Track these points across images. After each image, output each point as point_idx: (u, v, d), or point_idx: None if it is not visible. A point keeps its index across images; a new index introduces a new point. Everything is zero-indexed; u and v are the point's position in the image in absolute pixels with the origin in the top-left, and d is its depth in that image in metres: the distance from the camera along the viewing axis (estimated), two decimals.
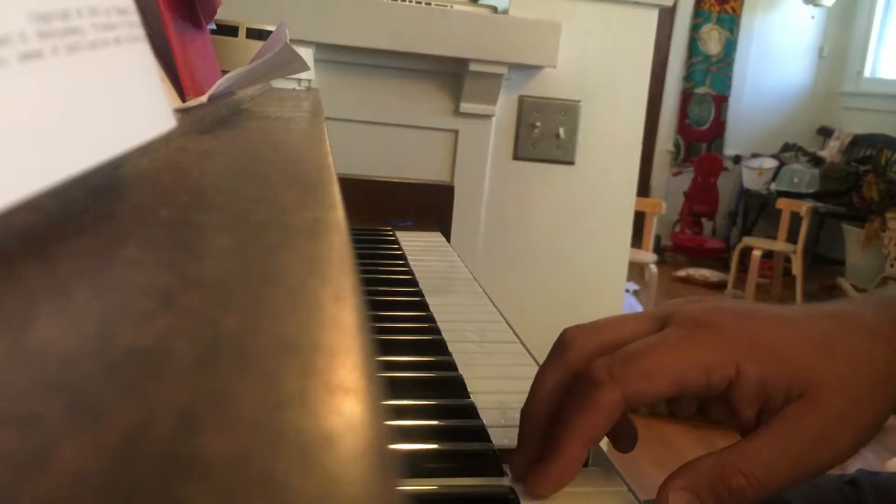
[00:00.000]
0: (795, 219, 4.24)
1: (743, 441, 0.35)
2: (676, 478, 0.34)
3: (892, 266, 4.01)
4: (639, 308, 3.75)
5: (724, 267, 4.62)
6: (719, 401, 0.37)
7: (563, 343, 0.39)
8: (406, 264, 0.81)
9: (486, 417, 0.45)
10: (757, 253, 4.18)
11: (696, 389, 0.35)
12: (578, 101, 1.40)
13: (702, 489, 0.34)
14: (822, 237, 4.76)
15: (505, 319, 0.66)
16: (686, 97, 5.36)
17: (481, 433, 0.43)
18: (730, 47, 5.33)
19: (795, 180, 4.81)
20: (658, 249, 4.37)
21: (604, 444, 0.40)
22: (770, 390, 0.35)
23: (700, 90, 5.35)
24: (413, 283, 0.74)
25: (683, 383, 0.35)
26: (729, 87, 5.38)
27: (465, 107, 1.36)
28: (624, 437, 0.40)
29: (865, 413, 0.35)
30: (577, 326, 0.39)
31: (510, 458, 0.39)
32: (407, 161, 1.38)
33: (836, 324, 0.37)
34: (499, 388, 0.50)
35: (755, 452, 0.34)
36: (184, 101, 0.44)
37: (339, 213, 0.24)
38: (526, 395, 0.39)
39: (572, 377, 0.37)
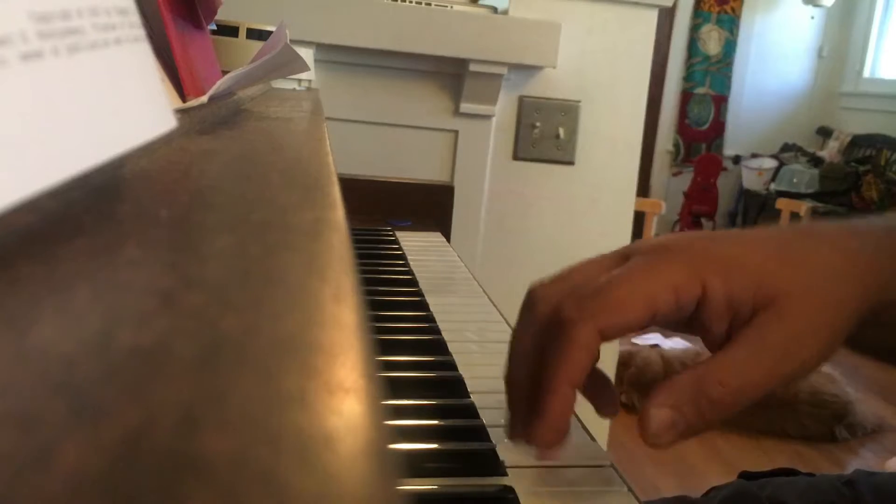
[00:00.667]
0: (795, 219, 4.23)
1: (717, 354, 0.35)
2: (657, 395, 0.35)
3: None
4: None
5: None
6: (688, 323, 0.37)
7: (530, 298, 0.38)
8: (406, 264, 0.81)
9: (486, 417, 0.45)
10: None
11: (667, 312, 0.35)
12: (578, 102, 1.40)
13: (683, 403, 0.34)
14: None
15: (505, 319, 0.66)
16: (686, 97, 5.36)
17: (481, 433, 0.43)
18: (729, 48, 5.33)
19: (795, 180, 4.81)
20: None
21: (603, 443, 0.40)
22: (737, 304, 0.35)
23: (700, 90, 5.35)
24: (413, 283, 0.74)
25: (654, 307, 0.35)
26: (728, 87, 5.37)
27: (465, 107, 1.36)
28: (604, 399, 0.39)
29: (832, 319, 0.36)
30: (541, 280, 0.39)
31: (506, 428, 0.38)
32: (407, 161, 1.38)
33: (801, 237, 0.38)
34: (499, 388, 0.49)
35: (729, 362, 0.35)
36: (184, 101, 0.44)
37: (339, 213, 0.24)
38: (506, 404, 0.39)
39: (544, 328, 0.37)
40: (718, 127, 5.38)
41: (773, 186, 4.92)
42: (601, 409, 0.40)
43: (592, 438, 0.44)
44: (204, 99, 0.46)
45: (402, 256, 0.84)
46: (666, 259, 0.36)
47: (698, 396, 0.34)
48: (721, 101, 5.37)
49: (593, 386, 0.39)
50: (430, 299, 0.68)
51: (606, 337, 0.35)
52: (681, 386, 0.34)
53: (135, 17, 0.23)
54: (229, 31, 0.87)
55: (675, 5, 3.00)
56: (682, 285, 0.35)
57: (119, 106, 0.21)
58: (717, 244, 0.37)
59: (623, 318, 0.34)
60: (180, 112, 0.38)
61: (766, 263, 0.36)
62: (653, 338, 3.49)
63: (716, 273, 0.35)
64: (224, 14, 0.75)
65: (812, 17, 5.30)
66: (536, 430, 0.35)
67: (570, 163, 1.42)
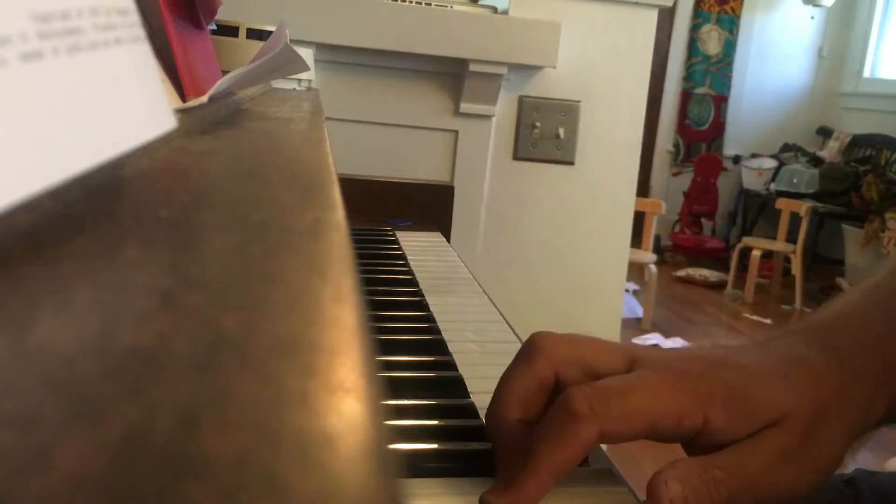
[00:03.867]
0: (795, 219, 4.24)
1: (714, 454, 0.37)
2: (662, 472, 0.35)
3: None
4: (638, 308, 3.75)
5: (724, 267, 4.63)
6: (686, 447, 0.38)
7: (533, 348, 0.38)
8: (406, 264, 0.81)
9: None
10: (756, 253, 4.18)
11: (663, 434, 0.36)
12: (578, 102, 1.40)
13: (690, 480, 0.35)
14: (822, 237, 4.76)
15: (505, 319, 0.66)
16: (686, 97, 5.36)
17: (481, 433, 0.43)
18: (729, 48, 5.33)
19: (795, 180, 4.81)
20: (658, 249, 4.37)
21: (603, 444, 0.39)
22: (739, 435, 0.36)
23: (700, 90, 5.36)
24: (413, 283, 0.74)
25: (655, 429, 0.35)
26: (728, 87, 5.38)
27: (465, 107, 1.36)
28: None
29: (828, 436, 0.38)
30: (548, 333, 0.39)
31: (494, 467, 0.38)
32: (407, 161, 1.38)
33: (795, 367, 0.40)
34: None
35: (730, 453, 0.36)
36: (184, 101, 0.44)
37: (339, 213, 0.24)
38: None
39: (540, 385, 0.37)
40: (718, 127, 5.39)
41: (773, 186, 4.92)
42: None
43: None
44: (204, 99, 0.46)
45: (402, 256, 0.84)
46: (676, 385, 0.36)
47: (703, 474, 0.35)
48: (721, 101, 5.37)
49: None
50: (430, 299, 0.68)
51: (605, 440, 0.35)
52: (684, 465, 0.35)
53: (135, 17, 0.23)
54: (229, 31, 0.87)
55: (675, 5, 3.00)
56: (686, 416, 0.36)
57: (119, 106, 0.21)
58: (725, 374, 0.38)
59: (626, 430, 0.35)
60: (180, 112, 0.38)
61: (770, 393, 0.37)
62: (653, 338, 3.49)
63: (720, 408, 0.36)
64: (224, 14, 0.75)
65: (812, 17, 5.30)
66: (500, 500, 0.35)
67: (570, 163, 1.42)
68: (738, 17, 5.30)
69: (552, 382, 0.38)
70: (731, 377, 0.38)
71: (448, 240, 1.01)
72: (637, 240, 3.18)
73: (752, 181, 5.08)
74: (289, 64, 0.62)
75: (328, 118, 1.09)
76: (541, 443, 0.35)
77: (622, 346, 0.40)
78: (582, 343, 0.39)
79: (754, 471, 0.36)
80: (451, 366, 0.53)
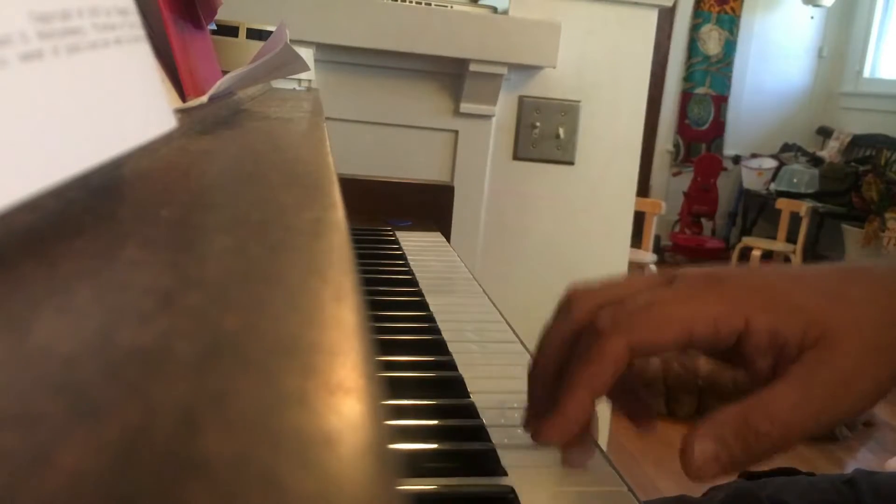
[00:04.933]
0: (795, 219, 4.24)
1: (765, 389, 0.34)
2: (701, 427, 0.34)
3: None
4: None
5: None
6: (729, 355, 0.36)
7: (568, 300, 0.38)
8: (406, 264, 0.81)
9: (486, 417, 0.45)
10: (756, 253, 4.18)
11: (703, 341, 0.35)
12: (578, 102, 1.40)
13: (728, 436, 0.33)
14: (822, 237, 4.76)
15: (505, 319, 0.66)
16: (686, 97, 5.36)
17: (481, 433, 0.43)
18: (729, 48, 5.33)
19: (795, 180, 4.81)
20: (658, 249, 4.37)
21: (603, 443, 0.39)
22: (783, 340, 0.34)
23: (700, 90, 5.35)
24: (413, 283, 0.74)
25: (691, 334, 0.34)
26: (728, 87, 5.37)
27: (465, 107, 1.36)
28: (640, 414, 0.39)
29: (885, 360, 0.35)
30: (582, 282, 0.39)
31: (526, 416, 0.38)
32: (407, 161, 1.38)
33: (847, 275, 0.37)
34: (499, 388, 0.50)
35: (776, 399, 0.34)
36: (184, 101, 0.44)
37: (339, 213, 0.24)
38: (526, 395, 0.39)
39: (577, 332, 0.37)
40: (718, 127, 5.38)
41: (773, 186, 4.92)
42: (638, 425, 0.40)
43: None
44: (204, 99, 0.46)
45: (402, 256, 0.84)
46: (710, 289, 0.35)
47: (744, 429, 0.33)
48: (721, 101, 5.37)
49: (628, 401, 0.39)
50: (430, 299, 0.68)
51: (637, 353, 0.34)
52: (726, 418, 0.34)
53: (135, 17, 0.23)
54: (229, 31, 0.87)
55: (675, 5, 3.00)
56: (723, 317, 0.34)
57: (119, 106, 0.21)
58: (764, 278, 0.36)
59: (657, 338, 0.34)
60: (180, 112, 0.38)
61: (815, 301, 0.35)
62: None
63: (761, 308, 0.35)
64: (224, 14, 0.75)
65: (812, 17, 5.30)
66: (544, 426, 0.35)
67: (570, 163, 1.42)
68: (738, 17, 5.30)
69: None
70: (771, 279, 0.36)
71: (448, 240, 1.01)
72: (637, 240, 3.17)
73: (752, 181, 5.08)
74: (289, 64, 0.62)
75: (328, 118, 1.09)
76: (573, 367, 0.35)
77: (662, 274, 0.39)
78: (616, 286, 0.38)
79: (805, 413, 0.33)
80: (451, 366, 0.53)
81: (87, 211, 0.20)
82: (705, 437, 0.33)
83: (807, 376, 0.34)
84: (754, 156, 5.21)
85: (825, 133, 5.26)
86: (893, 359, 0.35)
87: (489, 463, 0.40)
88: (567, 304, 0.38)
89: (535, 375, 0.38)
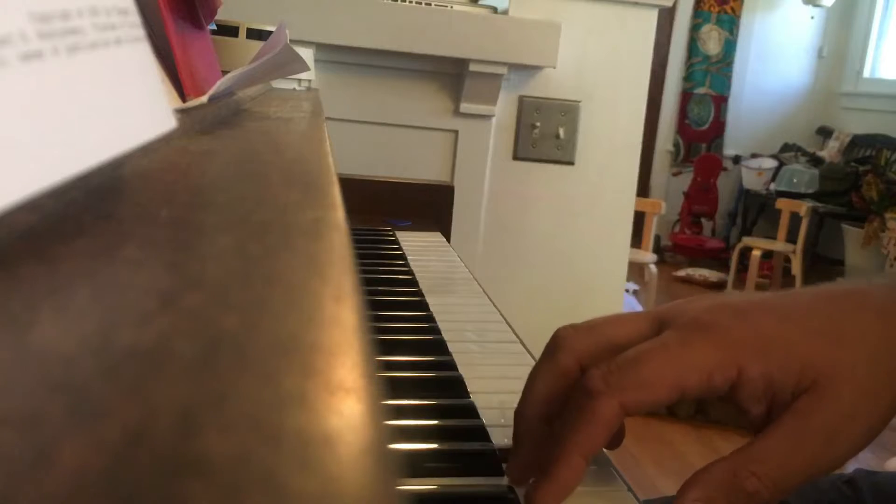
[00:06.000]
0: (795, 219, 4.24)
1: (754, 441, 0.34)
2: (690, 487, 0.34)
3: (891, 266, 4.01)
4: (638, 308, 3.75)
5: (724, 267, 4.62)
6: (722, 400, 0.36)
7: (556, 343, 0.38)
8: (406, 264, 0.81)
9: (486, 417, 0.45)
10: (756, 253, 4.18)
11: (697, 393, 0.34)
12: (578, 102, 1.40)
13: (717, 496, 0.33)
14: (822, 237, 4.76)
15: (505, 319, 0.66)
16: (686, 97, 5.36)
17: (481, 433, 0.43)
18: (729, 48, 5.33)
19: (795, 180, 4.81)
20: (658, 249, 4.37)
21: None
22: (777, 386, 0.34)
23: (700, 90, 5.35)
24: (413, 283, 0.74)
25: (683, 389, 0.34)
26: (728, 87, 5.37)
27: (465, 107, 1.36)
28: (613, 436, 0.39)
29: (879, 401, 0.34)
30: (571, 326, 0.38)
31: (508, 459, 0.39)
32: (407, 161, 1.38)
33: (843, 306, 0.36)
34: (499, 388, 0.50)
35: (767, 452, 0.33)
36: (184, 101, 0.44)
37: (339, 213, 0.24)
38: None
39: (565, 379, 0.37)
40: (718, 127, 5.38)
41: (773, 186, 4.91)
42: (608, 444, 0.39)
43: None
44: (204, 99, 0.46)
45: (402, 256, 0.84)
46: (701, 338, 0.35)
47: (733, 489, 0.33)
48: (721, 101, 5.37)
49: None
50: (430, 299, 0.68)
51: (629, 412, 0.34)
52: (715, 476, 0.33)
53: (135, 17, 0.23)
54: (229, 31, 0.87)
55: (675, 5, 3.00)
56: (716, 369, 0.34)
57: (119, 106, 0.21)
58: (758, 320, 0.35)
59: (649, 397, 0.34)
60: (180, 112, 0.38)
61: (808, 343, 0.34)
62: None
63: (754, 356, 0.34)
64: (224, 14, 0.75)
65: (812, 17, 5.30)
66: (539, 492, 0.34)
67: (570, 163, 1.42)
68: (738, 17, 5.30)
69: (577, 375, 0.37)
70: (762, 322, 0.35)
71: (448, 240, 1.01)
72: (637, 240, 3.17)
73: (752, 181, 5.08)
74: (289, 64, 0.62)
75: (328, 118, 1.09)
76: (564, 428, 0.34)
77: (648, 313, 0.38)
78: (604, 326, 0.38)
79: (798, 464, 0.33)
80: (451, 366, 0.53)
81: (87, 211, 0.20)
82: (695, 501, 0.33)
83: (798, 426, 0.33)
84: (754, 156, 5.21)
85: (825, 133, 5.26)
86: (884, 403, 0.34)
87: (489, 463, 0.40)
88: (554, 347, 0.38)
89: (522, 419, 0.38)
